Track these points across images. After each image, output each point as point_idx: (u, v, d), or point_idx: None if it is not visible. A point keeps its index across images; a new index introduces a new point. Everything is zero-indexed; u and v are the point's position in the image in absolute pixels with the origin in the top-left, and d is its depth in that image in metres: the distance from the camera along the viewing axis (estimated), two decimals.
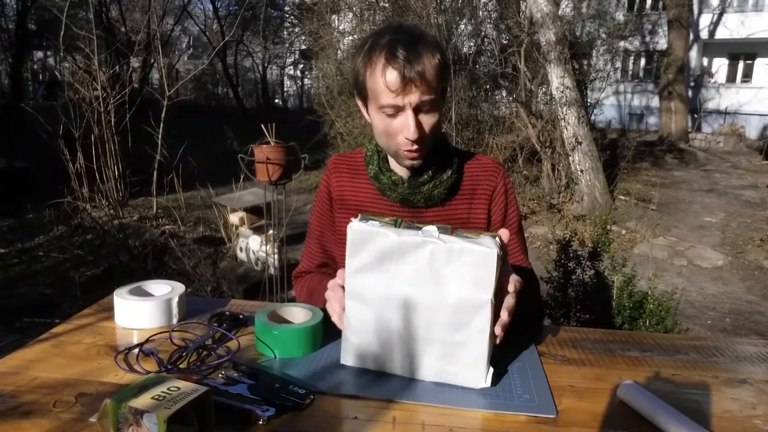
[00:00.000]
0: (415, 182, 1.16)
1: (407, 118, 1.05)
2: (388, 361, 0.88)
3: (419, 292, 0.84)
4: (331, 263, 1.29)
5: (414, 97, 1.03)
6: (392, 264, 0.85)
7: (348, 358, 0.90)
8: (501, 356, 0.94)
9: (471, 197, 1.20)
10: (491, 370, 0.86)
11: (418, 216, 1.18)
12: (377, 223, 0.87)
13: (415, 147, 1.08)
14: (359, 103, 1.16)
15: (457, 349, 0.85)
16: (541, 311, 1.31)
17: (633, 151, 8.75)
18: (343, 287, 0.93)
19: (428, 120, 1.07)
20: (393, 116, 1.06)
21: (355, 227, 0.86)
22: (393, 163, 1.19)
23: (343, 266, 0.89)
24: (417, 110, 1.05)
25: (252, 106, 22.28)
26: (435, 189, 1.15)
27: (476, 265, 0.82)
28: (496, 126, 8.27)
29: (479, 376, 0.85)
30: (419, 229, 0.86)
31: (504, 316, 0.87)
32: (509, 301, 0.89)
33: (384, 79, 1.02)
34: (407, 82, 1.01)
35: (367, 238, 0.85)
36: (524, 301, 0.99)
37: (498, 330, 0.86)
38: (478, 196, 1.20)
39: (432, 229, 0.85)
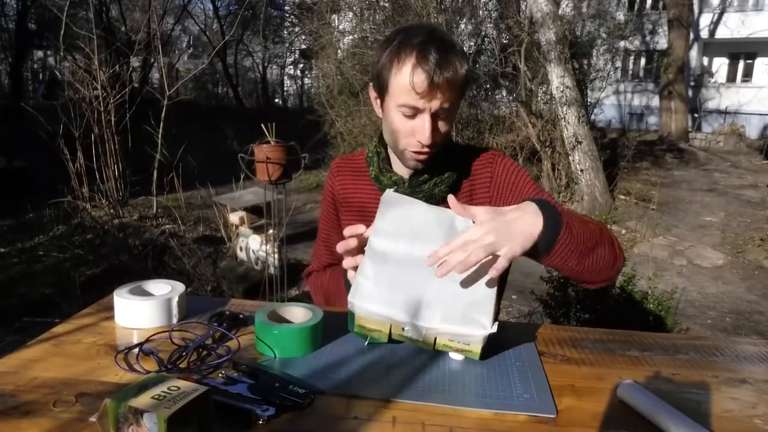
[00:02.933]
0: (416, 181, 1.16)
1: (424, 122, 1.04)
2: (396, 305, 0.88)
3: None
4: (339, 265, 1.29)
5: (436, 102, 1.03)
6: (415, 225, 0.93)
7: (356, 296, 0.88)
8: (501, 355, 0.94)
9: (471, 192, 1.20)
10: (496, 322, 0.88)
11: None
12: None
13: (425, 150, 1.08)
14: (373, 94, 1.14)
15: (465, 297, 0.89)
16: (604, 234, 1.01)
17: (633, 151, 8.76)
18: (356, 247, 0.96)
19: (443, 126, 1.08)
20: (410, 117, 1.06)
21: (389, 194, 0.97)
22: (394, 164, 1.19)
23: None
24: (434, 115, 1.05)
25: (252, 106, 22.27)
26: (436, 187, 1.15)
27: None
28: (496, 125, 8.28)
29: (485, 323, 0.87)
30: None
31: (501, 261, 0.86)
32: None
33: (411, 79, 1.01)
34: (434, 86, 1.00)
35: (396, 201, 0.96)
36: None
37: (494, 273, 0.86)
38: (478, 190, 1.20)
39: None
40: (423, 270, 0.89)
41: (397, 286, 0.89)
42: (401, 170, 1.18)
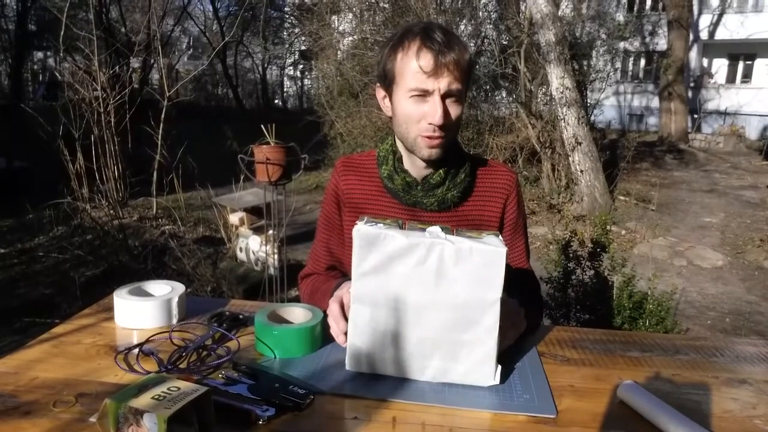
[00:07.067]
0: (429, 184, 1.15)
1: (435, 104, 1.05)
2: (395, 365, 0.87)
3: (427, 293, 0.84)
4: (338, 266, 1.28)
5: (444, 82, 1.03)
6: (400, 266, 0.84)
7: (354, 363, 0.88)
8: (500, 356, 0.94)
9: (484, 201, 1.20)
10: (499, 367, 0.86)
11: (429, 219, 1.17)
12: (382, 225, 0.87)
13: (437, 133, 1.07)
14: (381, 94, 1.15)
15: (465, 348, 0.85)
16: (539, 313, 1.32)
17: (633, 152, 8.75)
18: (341, 306, 0.96)
19: (454, 109, 1.08)
20: (420, 101, 1.06)
21: (362, 230, 0.84)
22: (407, 163, 1.18)
23: (350, 269, 0.89)
24: (444, 97, 1.06)
25: (252, 107, 22.29)
26: (449, 192, 1.15)
27: (485, 265, 0.82)
28: (496, 126, 8.27)
29: (488, 374, 0.86)
30: (423, 230, 0.86)
31: None
32: None
33: (418, 60, 1.03)
34: (441, 66, 1.02)
35: (374, 241, 0.84)
36: (525, 302, 0.99)
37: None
38: (492, 201, 1.20)
39: (436, 229, 0.86)
40: (416, 314, 0.85)
41: (392, 341, 0.86)
42: (414, 172, 1.17)
